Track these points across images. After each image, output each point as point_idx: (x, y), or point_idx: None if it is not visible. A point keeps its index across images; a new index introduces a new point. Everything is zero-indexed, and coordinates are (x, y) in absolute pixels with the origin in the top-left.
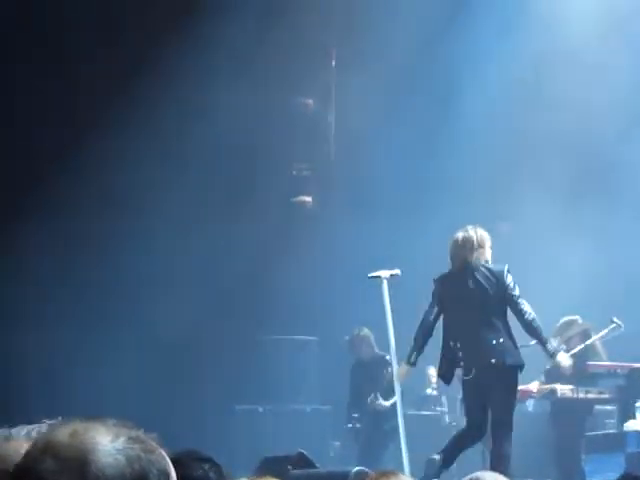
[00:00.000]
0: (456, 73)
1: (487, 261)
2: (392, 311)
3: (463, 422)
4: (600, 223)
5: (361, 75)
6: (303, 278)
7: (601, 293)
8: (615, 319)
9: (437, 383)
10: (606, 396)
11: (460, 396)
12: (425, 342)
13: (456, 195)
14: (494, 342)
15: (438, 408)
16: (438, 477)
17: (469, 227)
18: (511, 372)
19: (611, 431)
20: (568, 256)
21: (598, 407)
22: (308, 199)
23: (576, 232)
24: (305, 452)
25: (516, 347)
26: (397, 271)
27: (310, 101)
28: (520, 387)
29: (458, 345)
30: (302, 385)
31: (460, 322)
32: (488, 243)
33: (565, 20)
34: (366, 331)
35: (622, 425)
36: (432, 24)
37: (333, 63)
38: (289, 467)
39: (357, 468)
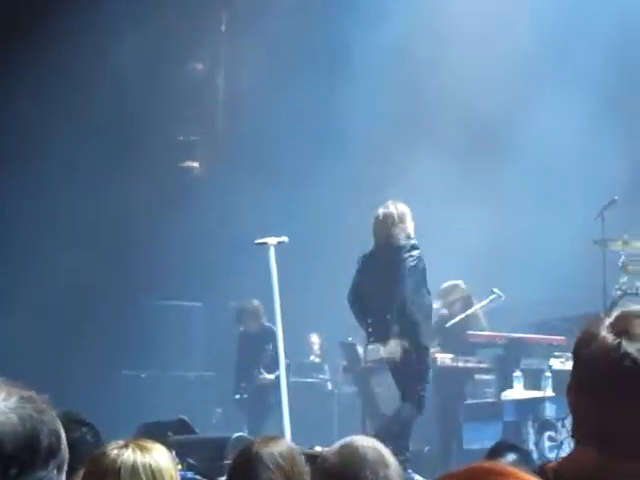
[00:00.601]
0: (348, 36)
1: (409, 235)
2: (279, 279)
3: (344, 389)
4: (492, 189)
5: (251, 39)
6: (190, 244)
7: (489, 260)
8: (496, 290)
9: (319, 350)
10: (485, 365)
11: (344, 363)
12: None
13: (348, 161)
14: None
15: (320, 375)
16: None
17: (389, 202)
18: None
19: (489, 400)
20: (463, 219)
21: (478, 376)
22: (195, 164)
23: (470, 197)
24: (185, 418)
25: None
26: (284, 238)
27: (199, 66)
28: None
29: (369, 321)
30: (187, 351)
31: (372, 298)
32: (409, 217)
33: None
34: (255, 304)
35: (500, 394)
36: None
37: (223, 28)
38: (169, 433)
39: (237, 434)
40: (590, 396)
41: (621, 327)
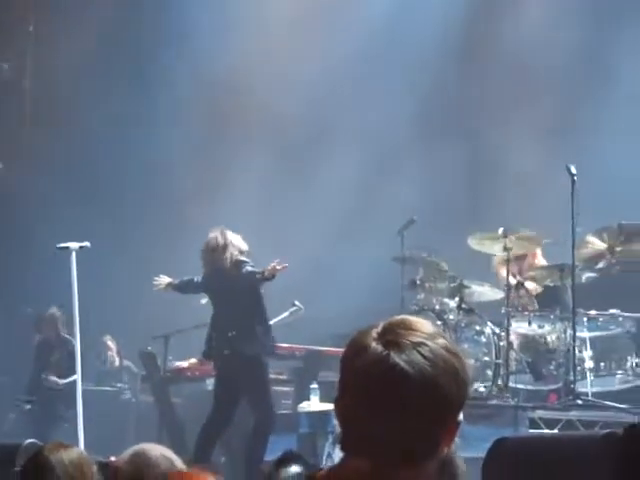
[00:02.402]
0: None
1: (240, 253)
2: (80, 284)
3: (142, 398)
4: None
5: (60, 41)
6: None
7: (292, 272)
8: (296, 302)
9: (116, 355)
10: (284, 377)
11: (143, 373)
12: None
13: (156, 166)
14: (229, 334)
15: (118, 384)
16: None
17: (215, 230)
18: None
19: (285, 412)
20: (266, 225)
21: (276, 388)
22: None
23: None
24: None
25: (260, 335)
26: (87, 243)
27: (5, 66)
28: (192, 361)
29: (213, 335)
30: None
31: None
32: (237, 240)
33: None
34: (52, 312)
35: (297, 406)
36: None
37: (30, 28)
38: None
39: (29, 440)
40: (361, 406)
41: (388, 338)
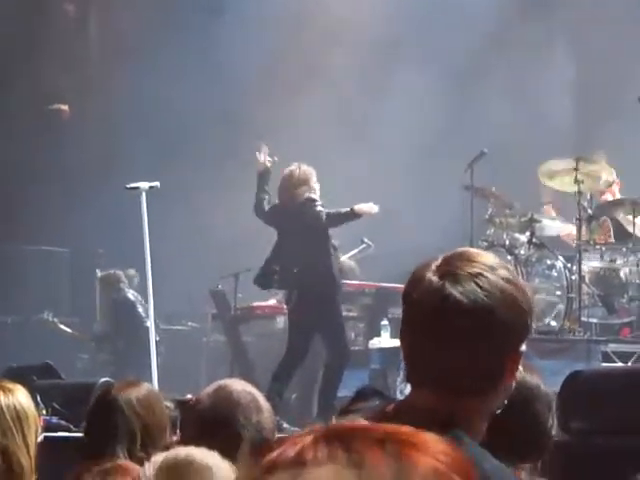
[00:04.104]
0: None
1: (312, 196)
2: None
3: (213, 336)
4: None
5: None
6: (58, 188)
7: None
8: (365, 239)
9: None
10: (354, 314)
11: (214, 311)
12: None
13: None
14: (294, 270)
15: (189, 323)
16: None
17: (294, 164)
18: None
19: (356, 348)
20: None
21: (346, 324)
22: (65, 107)
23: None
24: (51, 363)
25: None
26: (156, 183)
27: (71, 7)
28: (270, 303)
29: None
30: (52, 297)
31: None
32: (313, 179)
33: None
34: (115, 274)
35: (368, 343)
36: None
37: None
38: (34, 377)
39: (103, 379)
40: (420, 338)
41: (445, 269)
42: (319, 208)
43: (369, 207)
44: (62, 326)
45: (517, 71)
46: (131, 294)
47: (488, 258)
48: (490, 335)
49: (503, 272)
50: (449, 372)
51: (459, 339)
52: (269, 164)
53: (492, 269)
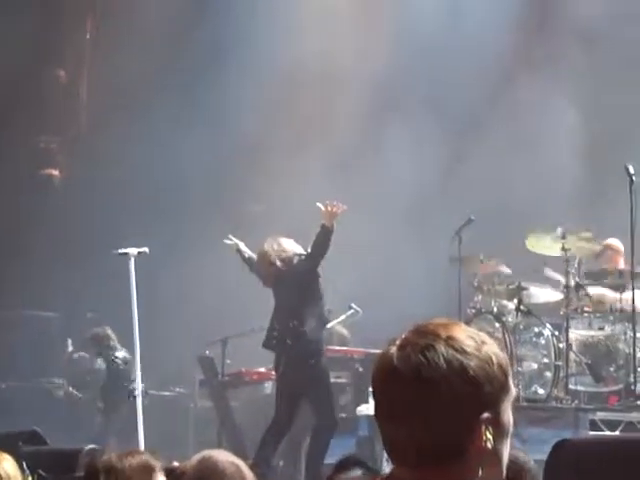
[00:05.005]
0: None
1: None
2: (138, 289)
3: (201, 402)
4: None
5: (114, 49)
6: (48, 252)
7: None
8: (353, 305)
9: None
10: (343, 380)
11: (202, 377)
12: None
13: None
14: (290, 324)
15: (177, 389)
16: None
17: (268, 241)
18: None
19: (344, 415)
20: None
21: (336, 391)
22: (55, 172)
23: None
24: (38, 429)
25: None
26: (145, 249)
27: (62, 72)
28: (259, 369)
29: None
30: (45, 361)
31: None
32: (288, 247)
33: None
34: (105, 332)
35: (355, 409)
36: None
37: (87, 35)
38: (20, 443)
39: (89, 446)
40: (380, 412)
41: (402, 343)
42: (299, 257)
43: (329, 210)
44: (72, 389)
45: (514, 128)
46: (122, 352)
47: (449, 329)
48: (436, 404)
49: (460, 344)
50: (408, 444)
51: (407, 410)
52: (238, 243)
53: (447, 340)
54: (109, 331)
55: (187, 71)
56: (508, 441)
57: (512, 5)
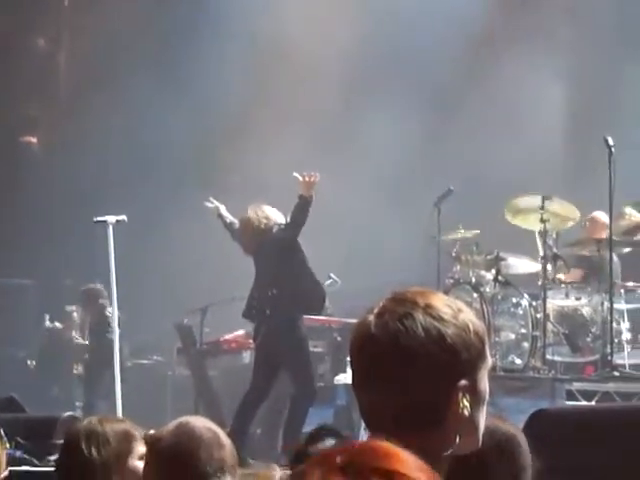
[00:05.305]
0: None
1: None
2: (117, 257)
3: (179, 370)
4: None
5: (93, 16)
6: (26, 219)
7: (328, 245)
8: (332, 275)
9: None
10: (320, 349)
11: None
12: None
13: (193, 139)
14: (269, 293)
15: (154, 357)
16: None
17: (251, 208)
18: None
19: (321, 384)
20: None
21: (314, 360)
22: (33, 139)
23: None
24: (15, 396)
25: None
26: (123, 217)
27: (41, 40)
28: (238, 334)
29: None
30: (18, 330)
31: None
32: (272, 215)
33: None
34: (98, 288)
35: (333, 378)
36: None
37: (66, 2)
38: None
39: (67, 413)
40: (358, 380)
41: (379, 311)
42: (279, 227)
43: (307, 181)
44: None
45: (496, 102)
46: (109, 311)
47: (426, 297)
48: (414, 372)
49: (438, 311)
50: (385, 411)
51: (385, 377)
52: (219, 207)
53: (425, 308)
54: (101, 287)
55: (167, 41)
56: (484, 409)
57: None
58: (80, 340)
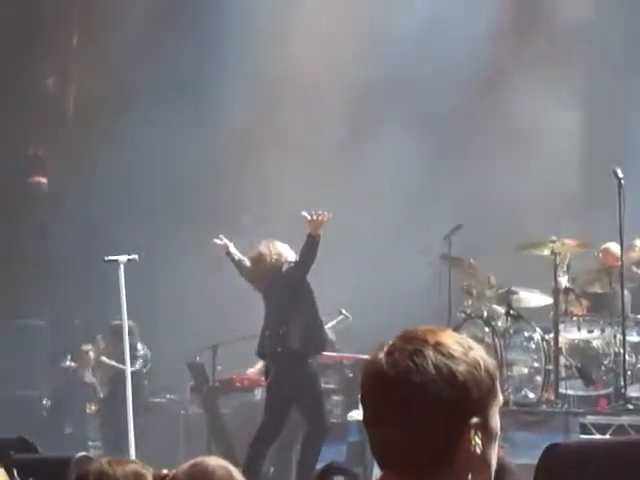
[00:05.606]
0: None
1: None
2: (128, 296)
3: (192, 408)
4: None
5: (102, 57)
6: (38, 260)
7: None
8: (343, 310)
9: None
10: (333, 386)
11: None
12: None
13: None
14: (280, 331)
15: (168, 395)
16: None
17: (263, 244)
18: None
19: (335, 420)
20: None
21: (326, 396)
22: (43, 180)
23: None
24: (26, 437)
25: (310, 331)
26: (135, 256)
27: (50, 81)
28: (250, 372)
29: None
30: (30, 370)
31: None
32: (283, 251)
33: None
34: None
35: (346, 415)
36: None
37: (74, 42)
38: (11, 452)
39: (80, 454)
40: (369, 418)
41: (390, 349)
42: (289, 265)
43: (315, 219)
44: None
45: (507, 128)
46: (139, 347)
47: (437, 335)
48: (425, 409)
49: (448, 349)
50: (397, 449)
51: (396, 416)
52: (228, 244)
53: (436, 345)
54: (132, 324)
55: (173, 80)
56: (496, 446)
57: (504, 3)
58: (94, 380)
